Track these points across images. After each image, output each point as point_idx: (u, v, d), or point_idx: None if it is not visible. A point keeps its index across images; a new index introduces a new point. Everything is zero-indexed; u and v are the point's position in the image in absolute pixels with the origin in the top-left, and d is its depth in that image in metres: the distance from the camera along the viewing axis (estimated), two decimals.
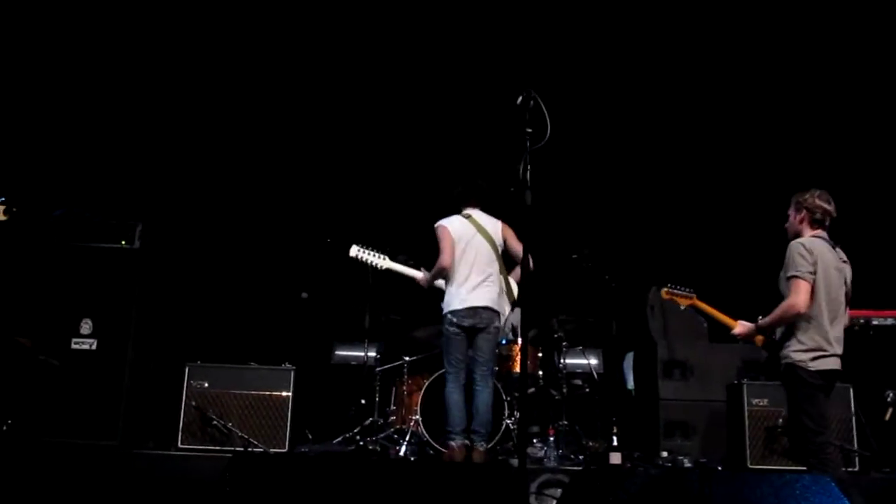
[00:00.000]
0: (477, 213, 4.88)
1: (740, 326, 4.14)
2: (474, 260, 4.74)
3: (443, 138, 6.86)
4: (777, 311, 3.91)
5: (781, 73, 6.54)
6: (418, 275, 4.90)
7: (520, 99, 3.43)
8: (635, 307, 6.10)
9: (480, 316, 4.70)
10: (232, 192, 6.74)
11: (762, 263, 4.49)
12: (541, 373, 5.70)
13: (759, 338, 4.09)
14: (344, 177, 6.95)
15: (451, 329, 4.69)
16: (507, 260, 4.89)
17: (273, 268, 6.82)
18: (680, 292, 4.51)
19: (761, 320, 4.03)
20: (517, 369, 5.40)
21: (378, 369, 5.64)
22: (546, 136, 3.36)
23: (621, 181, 7.11)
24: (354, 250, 4.91)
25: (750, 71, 6.53)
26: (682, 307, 4.51)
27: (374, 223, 6.67)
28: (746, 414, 5.12)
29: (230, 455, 3.48)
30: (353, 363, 6.43)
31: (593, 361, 6.42)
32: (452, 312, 4.69)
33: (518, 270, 4.87)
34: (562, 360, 5.77)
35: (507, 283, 4.84)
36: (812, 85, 6.55)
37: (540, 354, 5.76)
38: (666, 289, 4.53)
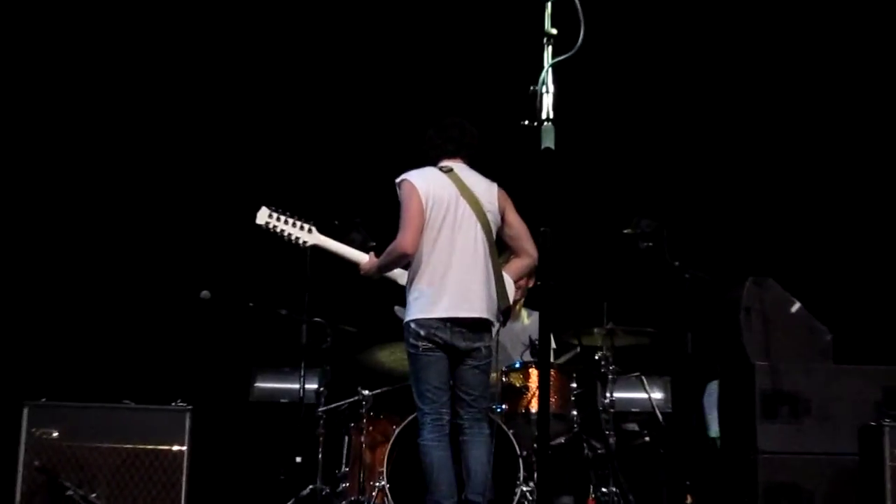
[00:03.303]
0: (462, 168, 4.82)
1: None
2: (456, 239, 4.67)
3: (406, 45, 6.99)
4: None
5: None
6: (361, 259, 4.84)
7: None
8: (721, 311, 6.08)
9: (464, 332, 4.64)
10: (77, 145, 6.96)
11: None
12: (575, 413, 5.70)
13: None
14: (250, 107, 7.12)
15: (421, 345, 4.64)
16: (499, 246, 4.85)
17: (155, 255, 6.95)
18: None
19: None
20: (536, 408, 5.41)
21: (322, 409, 5.65)
22: (579, 40, 3.30)
23: (701, 117, 7.19)
24: (264, 215, 4.86)
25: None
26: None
27: (301, 176, 6.82)
28: (889, 473, 5.10)
29: None
30: (282, 400, 6.50)
31: (657, 396, 6.40)
32: (419, 322, 4.63)
33: (517, 263, 4.85)
34: (607, 394, 5.78)
35: (502, 279, 4.77)
36: None
37: (574, 385, 5.75)
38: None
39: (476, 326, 4.64)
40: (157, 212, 7.06)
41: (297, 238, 4.87)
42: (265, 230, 4.86)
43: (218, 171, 7.14)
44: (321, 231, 4.91)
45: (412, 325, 4.61)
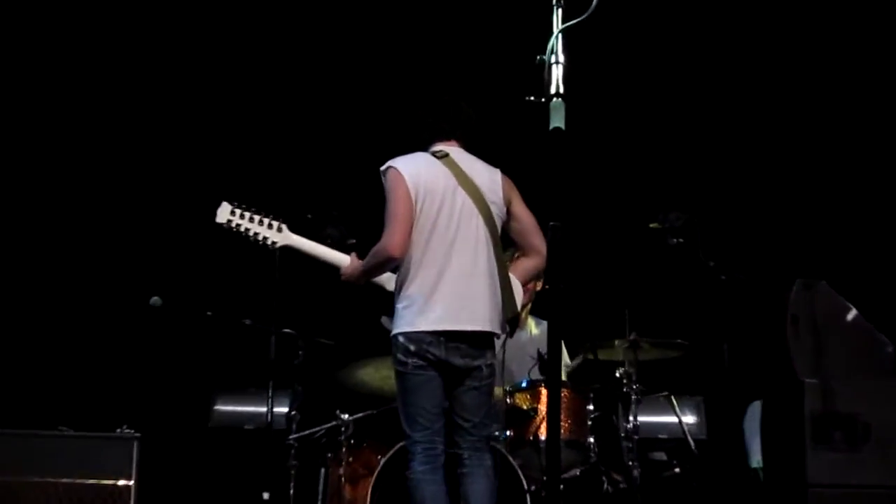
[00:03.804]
0: (458, 153, 4.84)
1: None
2: (454, 236, 4.69)
3: (389, 5, 6.99)
4: None
5: None
6: (342, 261, 4.86)
7: None
8: (764, 319, 6.11)
9: (462, 347, 4.64)
10: None
11: None
12: (592, 440, 5.72)
13: None
14: (201, 82, 7.17)
15: (411, 362, 4.64)
16: (504, 242, 4.84)
17: (95, 254, 6.96)
18: None
19: None
20: (546, 434, 5.42)
21: (293, 437, 5.66)
22: (594, 1, 3.33)
23: (738, 86, 7.22)
24: (225, 212, 4.86)
25: None
26: None
27: (267, 163, 6.87)
28: None
29: None
30: (247, 426, 6.52)
31: (689, 420, 6.43)
32: (409, 336, 4.66)
33: (524, 263, 4.86)
34: (630, 418, 5.79)
35: (509, 283, 4.79)
36: None
37: (591, 407, 5.77)
38: None
39: (477, 341, 4.64)
40: (97, 205, 7.07)
41: (265, 238, 4.87)
42: (227, 229, 4.87)
43: (169, 157, 7.17)
44: (293, 229, 4.90)
45: (401, 339, 4.61)
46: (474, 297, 4.63)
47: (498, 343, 4.74)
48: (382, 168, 4.70)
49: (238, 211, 4.86)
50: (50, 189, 7.14)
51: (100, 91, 7.19)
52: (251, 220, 4.87)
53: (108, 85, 7.19)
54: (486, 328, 4.63)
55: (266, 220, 4.87)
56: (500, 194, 4.77)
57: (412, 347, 4.58)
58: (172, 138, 7.25)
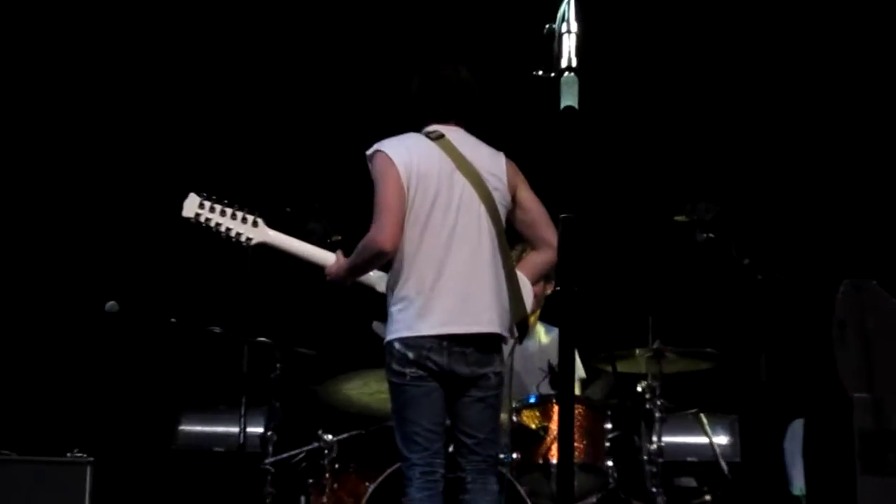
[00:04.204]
0: (455, 133, 4.85)
1: None
2: (453, 228, 4.70)
3: None
4: None
5: None
6: (326, 259, 4.88)
7: None
8: (807, 325, 6.15)
9: (467, 353, 4.64)
10: None
11: None
12: (610, 464, 5.74)
13: None
14: (162, 63, 7.19)
15: (409, 373, 4.65)
16: (510, 237, 4.85)
17: (44, 254, 6.96)
18: None
19: None
20: (557, 457, 5.43)
21: (270, 461, 5.65)
22: None
23: (775, 64, 7.23)
24: (193, 206, 4.84)
25: None
26: None
27: (239, 149, 6.86)
28: None
29: None
30: (217, 448, 6.51)
31: (721, 440, 6.43)
32: (407, 342, 4.69)
33: (534, 258, 4.86)
34: (654, 438, 5.81)
35: (517, 281, 4.81)
36: None
37: (608, 426, 5.80)
38: None
39: (484, 345, 4.63)
40: (41, 196, 7.08)
41: (239, 234, 4.86)
42: (195, 224, 4.87)
43: (126, 141, 7.17)
44: (270, 223, 4.90)
45: (397, 346, 4.60)
46: (477, 297, 4.64)
47: (505, 350, 4.74)
48: (369, 152, 4.70)
49: (207, 204, 4.84)
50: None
51: (48, 75, 7.21)
52: (222, 213, 4.85)
53: (57, 67, 7.21)
54: (493, 330, 4.63)
55: (239, 214, 4.86)
56: (504, 180, 4.77)
57: (411, 355, 4.57)
58: (130, 120, 7.25)
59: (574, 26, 3.37)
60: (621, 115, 6.74)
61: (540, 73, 3.41)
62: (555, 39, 3.40)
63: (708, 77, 7.23)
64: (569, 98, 3.33)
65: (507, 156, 4.83)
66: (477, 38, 6.53)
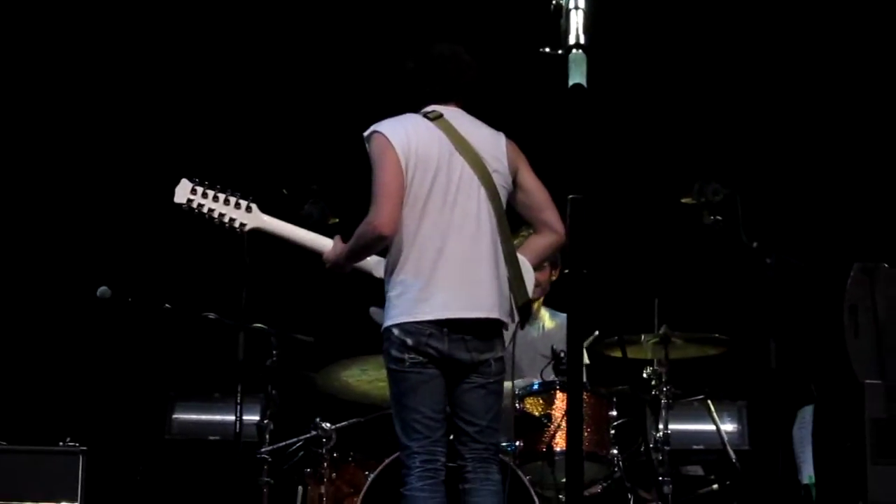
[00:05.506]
0: (455, 114, 4.88)
1: None
2: (452, 210, 4.70)
3: None
4: None
5: None
6: (323, 245, 4.86)
7: None
8: (817, 310, 6.14)
9: (467, 339, 4.66)
10: None
11: None
12: (616, 452, 5.74)
13: None
14: (154, 46, 7.22)
15: (408, 359, 4.66)
16: (516, 222, 4.87)
17: (35, 239, 7.00)
18: None
19: None
20: (562, 446, 5.46)
21: (266, 450, 5.64)
22: None
23: (788, 40, 7.25)
24: (185, 191, 4.87)
25: None
26: None
27: (234, 130, 6.90)
28: None
29: None
30: (212, 437, 6.53)
31: (728, 427, 6.45)
32: (405, 328, 4.67)
33: (537, 242, 4.88)
34: (661, 426, 5.83)
35: (518, 265, 4.80)
36: None
37: (614, 413, 5.80)
38: None
39: (485, 331, 4.66)
40: (33, 181, 7.10)
41: (233, 220, 4.88)
42: (187, 210, 4.87)
43: (120, 128, 7.17)
44: (265, 209, 4.91)
45: (395, 332, 4.62)
46: (478, 281, 4.65)
47: (507, 336, 4.75)
48: (366, 133, 4.71)
49: (200, 189, 4.86)
50: None
51: (38, 63, 7.24)
52: (215, 199, 4.87)
53: (47, 55, 7.23)
54: (493, 315, 4.64)
55: (233, 200, 4.88)
56: (505, 162, 4.78)
57: (410, 341, 4.59)
58: (123, 105, 7.26)
59: (582, 2, 3.35)
60: (629, 94, 6.72)
61: (547, 50, 3.39)
62: (562, 15, 3.37)
63: (718, 56, 7.24)
64: (577, 76, 3.31)
65: (514, 136, 4.82)
66: (483, 15, 6.52)
